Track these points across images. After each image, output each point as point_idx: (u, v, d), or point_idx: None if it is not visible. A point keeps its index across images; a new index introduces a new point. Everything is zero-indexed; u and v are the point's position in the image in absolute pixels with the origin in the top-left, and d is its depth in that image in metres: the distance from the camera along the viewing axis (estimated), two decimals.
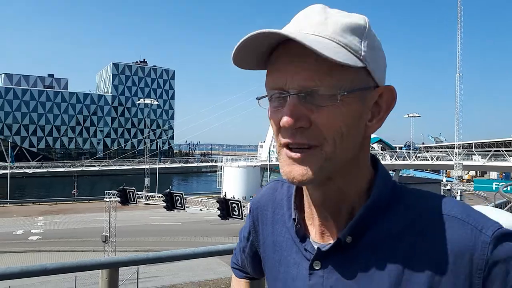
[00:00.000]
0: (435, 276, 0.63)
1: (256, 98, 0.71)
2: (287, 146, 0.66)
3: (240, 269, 1.04)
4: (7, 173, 51.78)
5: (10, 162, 56.27)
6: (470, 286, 0.62)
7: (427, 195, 0.71)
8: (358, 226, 0.69)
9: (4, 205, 44.85)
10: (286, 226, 0.80)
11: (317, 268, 0.71)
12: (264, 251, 0.86)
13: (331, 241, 0.71)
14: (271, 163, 56.90)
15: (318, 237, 0.74)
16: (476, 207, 2.37)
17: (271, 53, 0.68)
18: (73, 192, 50.23)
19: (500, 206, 5.05)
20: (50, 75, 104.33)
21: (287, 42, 0.64)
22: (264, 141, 64.21)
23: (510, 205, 4.92)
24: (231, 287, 1.08)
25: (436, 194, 0.73)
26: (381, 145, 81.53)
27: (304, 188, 0.75)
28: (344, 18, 0.66)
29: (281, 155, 0.68)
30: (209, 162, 74.18)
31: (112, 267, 1.68)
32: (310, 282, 0.72)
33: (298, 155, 0.65)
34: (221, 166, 54.38)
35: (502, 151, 38.91)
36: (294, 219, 0.76)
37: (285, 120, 0.64)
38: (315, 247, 0.72)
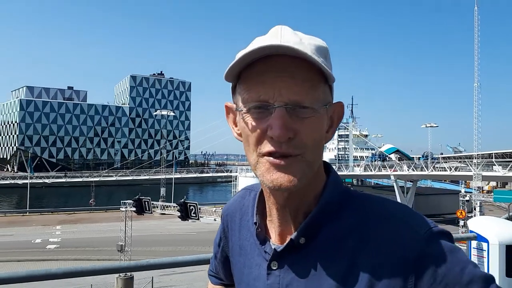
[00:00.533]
0: (375, 272, 0.68)
1: (238, 110, 0.75)
2: (270, 155, 0.70)
3: (215, 275, 1.07)
4: (27, 183, 52.78)
5: (30, 172, 57.30)
6: (405, 280, 0.67)
7: (373, 198, 0.77)
8: (309, 227, 0.74)
9: (24, 214, 45.70)
10: (250, 231, 0.85)
11: (274, 268, 0.77)
12: (232, 255, 0.91)
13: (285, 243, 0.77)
14: None
15: (277, 239, 0.79)
16: (485, 218, 2.24)
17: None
18: (90, 201, 50.79)
19: None
20: (70, 88, 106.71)
21: (269, 57, 0.69)
22: None
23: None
24: None
25: (383, 197, 0.78)
26: (399, 155, 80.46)
27: (268, 194, 0.79)
28: (313, 40, 0.73)
29: (261, 164, 0.72)
30: (224, 172, 74.37)
31: (109, 273, 1.64)
32: (268, 282, 0.77)
33: (283, 162, 0.70)
34: (236, 176, 54.31)
35: None
36: (255, 223, 0.82)
37: (278, 132, 0.68)
38: (273, 248, 0.78)
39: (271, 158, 0.70)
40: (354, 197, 0.77)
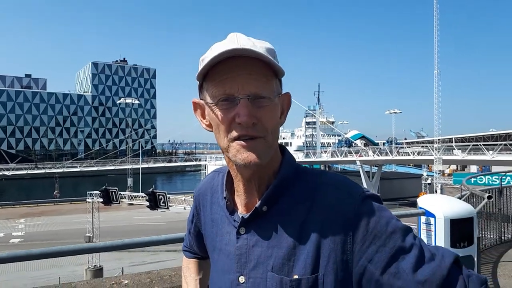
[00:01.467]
0: (322, 230, 0.86)
1: (207, 104, 0.91)
2: (239, 138, 0.87)
3: (189, 250, 1.23)
4: None
5: None
6: (346, 234, 0.85)
7: (320, 172, 0.97)
8: (270, 197, 0.91)
9: None
10: (220, 205, 1.01)
11: (242, 233, 0.93)
12: (204, 228, 1.07)
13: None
14: None
15: (244, 209, 0.96)
16: (433, 196, 2.58)
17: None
18: (54, 193, 49.43)
19: (468, 197, 5.31)
20: (28, 75, 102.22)
21: (230, 58, 0.85)
22: None
23: (467, 194, 5.17)
24: (182, 268, 1.25)
25: (325, 170, 0.99)
26: (364, 141, 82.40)
27: (237, 171, 0.95)
28: (264, 44, 0.89)
29: (232, 147, 0.88)
30: (193, 161, 73.74)
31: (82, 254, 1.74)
32: (238, 244, 0.93)
33: (250, 144, 0.87)
34: (205, 165, 54.17)
35: (480, 145, 39.79)
36: (225, 197, 0.98)
37: (245, 118, 0.84)
38: (241, 216, 0.94)
39: (240, 141, 0.87)
40: (303, 171, 0.96)
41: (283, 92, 0.95)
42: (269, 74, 0.88)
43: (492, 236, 6.73)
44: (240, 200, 0.97)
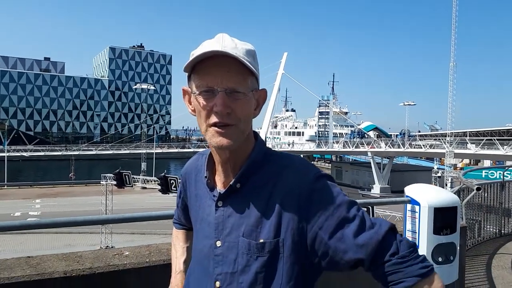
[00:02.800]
0: (284, 204, 1.04)
1: (192, 93, 1.06)
2: (215, 125, 1.03)
3: (178, 222, 1.43)
4: (4, 156, 51.86)
5: (5, 145, 56.10)
6: (301, 207, 1.02)
7: (284, 154, 1.14)
8: (242, 176, 1.08)
9: (2, 187, 45.13)
10: (203, 183, 1.18)
11: (220, 205, 1.11)
12: (190, 202, 1.25)
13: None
14: None
15: (222, 186, 1.13)
16: (419, 185, 2.77)
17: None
18: (70, 175, 50.51)
19: (465, 189, 5.40)
20: (47, 59, 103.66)
21: (214, 56, 1.00)
22: (261, 128, 64.50)
23: (461, 185, 5.27)
24: (172, 237, 1.45)
25: (289, 153, 1.15)
26: (377, 133, 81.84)
27: (216, 154, 1.11)
28: (245, 45, 1.04)
29: (209, 132, 1.04)
30: (206, 147, 74.14)
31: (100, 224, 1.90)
32: (216, 215, 1.11)
33: (224, 130, 1.03)
34: None
35: (494, 139, 39.27)
36: (205, 177, 1.15)
37: (221, 108, 1.01)
38: (218, 192, 1.12)
39: (216, 127, 1.03)
40: (272, 154, 1.13)
41: (260, 88, 1.09)
42: (245, 72, 1.02)
43: (492, 229, 6.82)
44: (219, 178, 1.14)
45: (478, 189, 4.04)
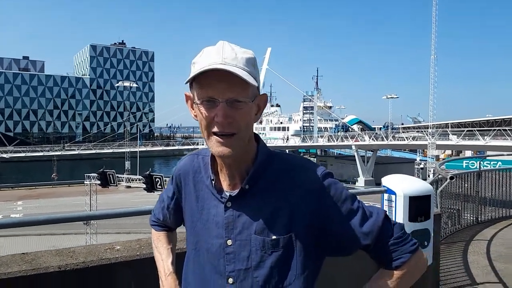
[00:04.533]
0: (294, 203, 1.11)
1: (194, 102, 1.10)
2: (215, 134, 1.07)
3: (159, 224, 1.44)
4: None
5: None
6: (312, 203, 1.11)
7: (289, 155, 1.22)
8: (251, 178, 1.13)
9: None
10: (205, 184, 1.22)
11: (229, 206, 1.15)
12: (187, 203, 1.27)
13: (236, 190, 1.15)
14: None
15: (229, 188, 1.17)
16: (395, 176, 2.95)
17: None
18: (52, 176, 49.80)
19: (442, 178, 5.61)
20: (25, 57, 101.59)
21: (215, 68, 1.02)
22: None
23: (437, 175, 5.49)
24: (152, 241, 1.45)
25: (294, 155, 1.23)
26: (361, 126, 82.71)
27: (219, 159, 1.15)
28: (245, 54, 1.07)
29: (211, 140, 1.08)
30: (191, 145, 74.13)
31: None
32: (226, 215, 1.15)
33: (225, 139, 1.07)
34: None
35: (474, 130, 40.18)
36: (212, 180, 1.18)
37: (221, 119, 1.04)
38: (227, 194, 1.16)
39: (217, 136, 1.07)
40: (275, 155, 1.20)
41: (260, 93, 1.14)
42: (246, 82, 1.05)
43: (469, 217, 7.10)
44: (224, 180, 1.19)
45: (451, 178, 4.25)
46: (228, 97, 1.04)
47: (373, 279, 1.20)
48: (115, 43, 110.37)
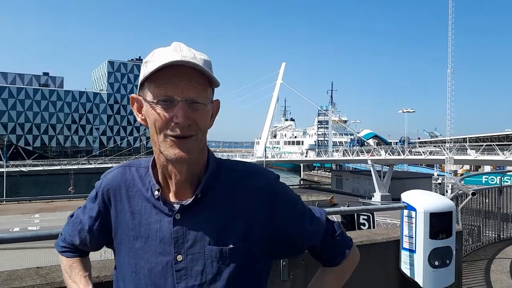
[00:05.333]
0: (248, 208, 1.08)
1: (146, 101, 1.03)
2: (173, 136, 1.00)
3: (71, 250, 1.25)
4: (3, 171, 51.78)
5: (5, 160, 56.02)
6: (265, 208, 1.10)
7: (238, 162, 1.18)
8: (205, 186, 1.07)
9: (1, 203, 44.96)
10: (143, 197, 1.10)
11: (178, 218, 1.06)
12: (119, 221, 1.13)
13: (187, 199, 1.07)
14: (266, 159, 57.19)
15: (175, 199, 1.09)
16: (415, 191, 2.90)
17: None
18: (69, 189, 50.42)
19: (462, 195, 5.46)
20: (45, 74, 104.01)
21: (172, 66, 0.97)
22: (260, 138, 64.54)
23: (458, 191, 5.33)
24: (63, 270, 1.26)
25: (241, 161, 1.20)
26: (376, 140, 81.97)
27: (168, 166, 1.06)
28: (202, 55, 1.03)
29: (165, 143, 1.01)
30: None
31: None
32: (174, 229, 1.05)
33: (182, 141, 1.00)
34: None
35: (493, 145, 39.38)
36: (158, 190, 1.08)
37: (182, 120, 0.98)
38: (176, 205, 1.07)
39: (174, 138, 1.00)
40: (224, 162, 1.15)
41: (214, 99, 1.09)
42: (205, 83, 1.02)
43: (490, 234, 6.88)
44: (169, 190, 1.10)
45: (473, 194, 4.12)
46: (188, 96, 0.99)
47: (316, 277, 1.25)
48: (132, 59, 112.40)
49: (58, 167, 69.08)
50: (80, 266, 1.24)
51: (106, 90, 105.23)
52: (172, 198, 1.09)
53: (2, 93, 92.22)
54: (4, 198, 46.61)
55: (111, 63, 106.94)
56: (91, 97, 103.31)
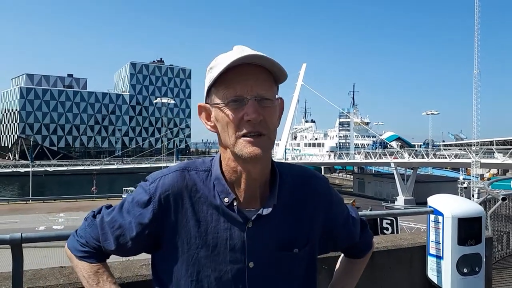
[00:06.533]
0: (314, 212, 1.14)
1: (215, 105, 1.02)
2: (246, 135, 0.98)
3: (95, 255, 1.15)
4: (29, 171, 53.29)
5: (30, 160, 57.59)
6: (324, 210, 1.17)
7: (291, 166, 1.18)
8: (278, 193, 1.08)
9: (27, 202, 46.25)
10: (210, 204, 1.05)
11: (249, 226, 1.04)
12: (176, 229, 1.05)
13: (256, 207, 1.06)
14: (286, 161, 57.02)
15: (245, 205, 1.06)
16: (442, 195, 2.81)
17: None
18: (92, 189, 51.34)
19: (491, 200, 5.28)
20: (70, 75, 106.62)
21: (238, 66, 0.97)
22: (280, 139, 64.42)
23: (486, 195, 5.16)
24: (87, 276, 1.13)
25: (292, 164, 1.22)
26: (400, 143, 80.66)
27: (243, 169, 1.03)
28: (264, 55, 1.00)
29: (239, 143, 0.99)
30: None
31: None
32: (247, 237, 1.04)
33: (257, 139, 0.98)
34: None
35: None
36: (234, 198, 1.04)
37: (254, 115, 0.97)
38: (246, 213, 1.05)
39: (247, 137, 0.98)
40: (281, 166, 1.15)
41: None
42: (271, 80, 1.02)
43: None
44: (240, 197, 1.06)
45: (503, 199, 3.98)
46: (257, 93, 0.98)
47: (345, 270, 1.36)
48: (154, 61, 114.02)
49: (82, 167, 70.57)
50: (107, 272, 1.16)
51: (128, 91, 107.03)
52: (240, 204, 1.06)
53: (29, 94, 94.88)
54: (30, 197, 47.86)
55: (133, 64, 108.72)
56: (113, 98, 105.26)
